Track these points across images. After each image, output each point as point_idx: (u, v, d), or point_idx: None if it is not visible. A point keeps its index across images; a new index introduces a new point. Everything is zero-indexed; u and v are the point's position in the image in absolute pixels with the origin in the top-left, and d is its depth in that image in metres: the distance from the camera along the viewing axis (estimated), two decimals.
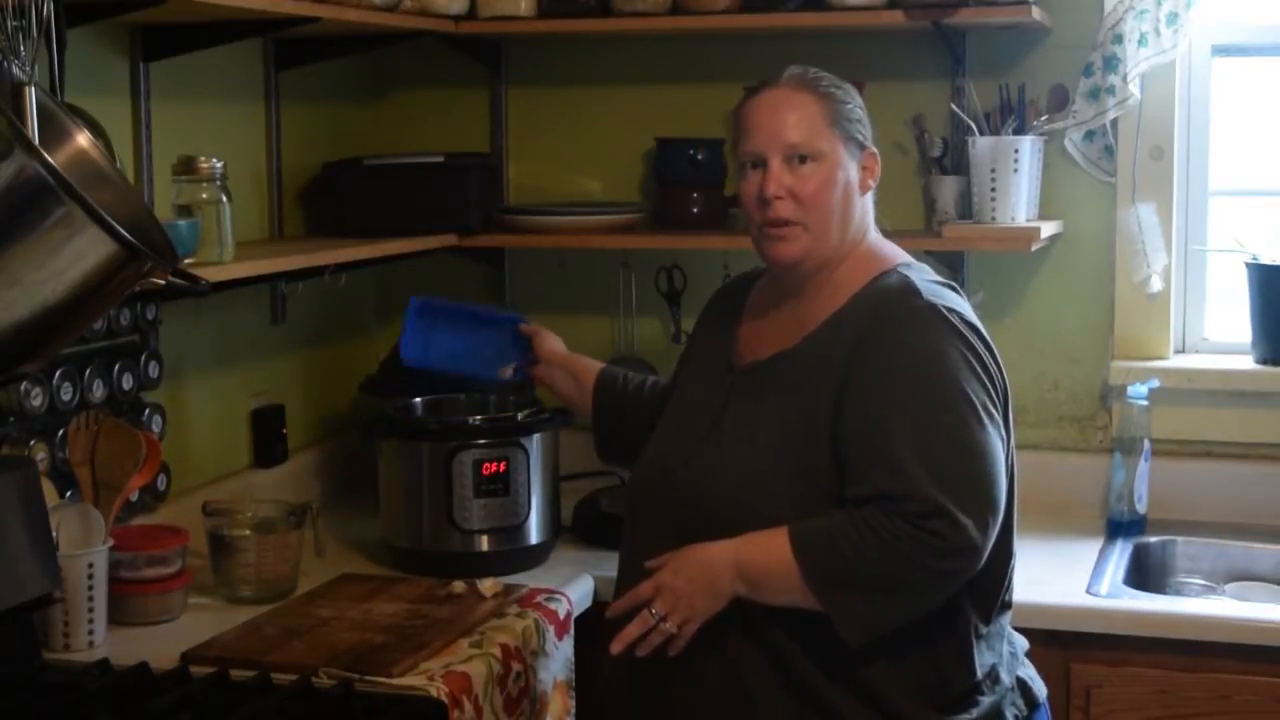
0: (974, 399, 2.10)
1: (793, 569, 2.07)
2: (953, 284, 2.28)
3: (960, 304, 2.22)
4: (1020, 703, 2.23)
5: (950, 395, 2.10)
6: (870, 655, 2.10)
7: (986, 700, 2.17)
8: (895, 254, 2.30)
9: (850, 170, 2.25)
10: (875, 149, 2.30)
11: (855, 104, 2.30)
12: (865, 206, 2.30)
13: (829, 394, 2.15)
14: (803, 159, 2.22)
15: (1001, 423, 2.15)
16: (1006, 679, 2.21)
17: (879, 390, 2.12)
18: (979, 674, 2.17)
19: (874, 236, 2.31)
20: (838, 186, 2.24)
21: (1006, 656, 2.24)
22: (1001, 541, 2.15)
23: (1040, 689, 2.29)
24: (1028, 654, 2.33)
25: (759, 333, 2.32)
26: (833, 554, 2.06)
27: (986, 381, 2.14)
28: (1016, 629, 2.34)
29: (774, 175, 2.22)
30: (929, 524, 2.03)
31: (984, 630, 2.18)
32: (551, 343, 2.78)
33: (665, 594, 2.14)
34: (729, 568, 2.12)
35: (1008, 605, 2.26)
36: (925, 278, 2.24)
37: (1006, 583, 2.22)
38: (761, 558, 2.11)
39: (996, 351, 2.21)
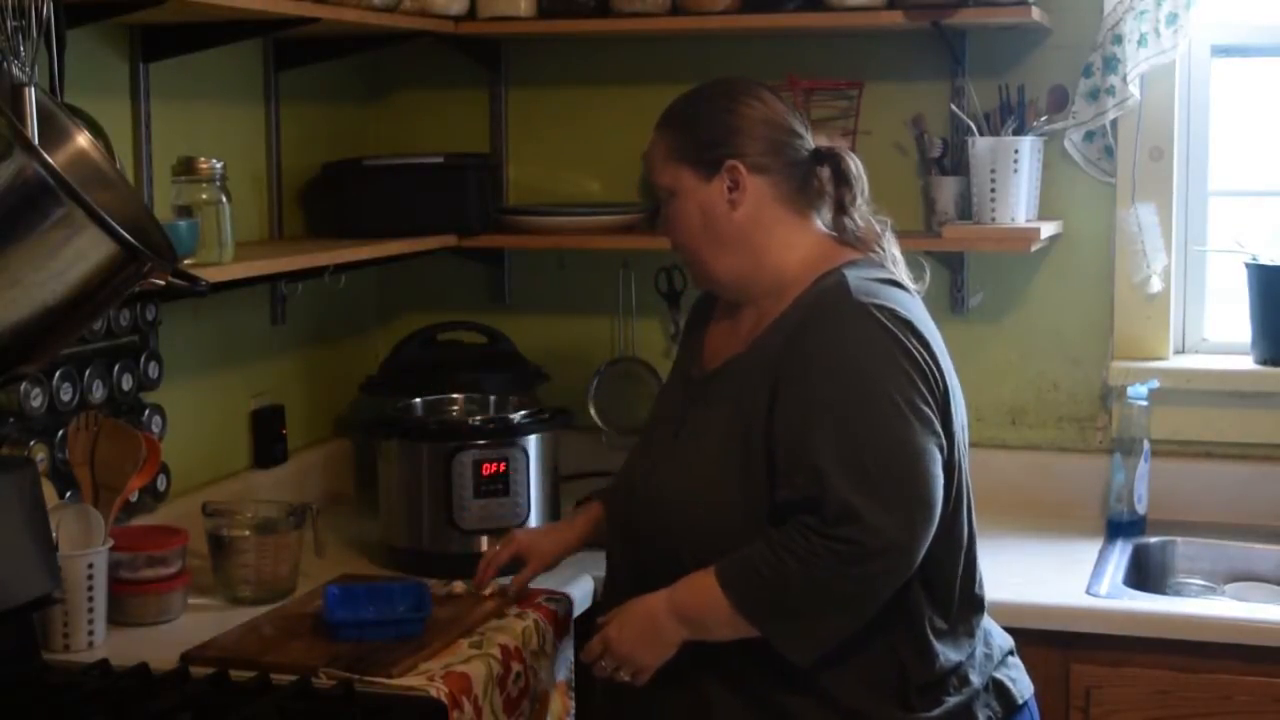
0: (896, 396, 2.06)
1: (725, 605, 2.07)
2: (897, 281, 2.21)
3: (897, 300, 2.15)
4: (995, 705, 2.19)
5: (872, 393, 2.07)
6: (829, 660, 2.09)
7: (952, 700, 2.14)
8: (843, 253, 2.23)
9: (706, 194, 2.20)
10: (739, 159, 2.18)
11: (713, 117, 2.21)
12: (765, 218, 2.20)
13: (765, 398, 2.13)
14: (666, 199, 2.25)
15: (936, 418, 2.09)
16: (977, 680, 2.17)
17: (801, 391, 2.10)
18: (940, 669, 2.12)
19: (818, 238, 2.24)
20: (692, 219, 2.22)
21: (980, 658, 2.20)
22: (949, 536, 2.12)
23: (1022, 690, 2.24)
24: (1017, 654, 2.30)
25: (720, 341, 2.30)
26: (757, 582, 2.06)
27: (917, 378, 2.08)
28: (1017, 629, 2.32)
29: (661, 220, 2.29)
30: (840, 531, 2.01)
31: (943, 626, 2.14)
32: (539, 563, 2.56)
33: (612, 649, 2.17)
34: (668, 615, 2.13)
35: (977, 604, 2.21)
36: (865, 276, 2.17)
37: (963, 577, 2.17)
38: (695, 599, 2.11)
39: (936, 348, 2.15)
